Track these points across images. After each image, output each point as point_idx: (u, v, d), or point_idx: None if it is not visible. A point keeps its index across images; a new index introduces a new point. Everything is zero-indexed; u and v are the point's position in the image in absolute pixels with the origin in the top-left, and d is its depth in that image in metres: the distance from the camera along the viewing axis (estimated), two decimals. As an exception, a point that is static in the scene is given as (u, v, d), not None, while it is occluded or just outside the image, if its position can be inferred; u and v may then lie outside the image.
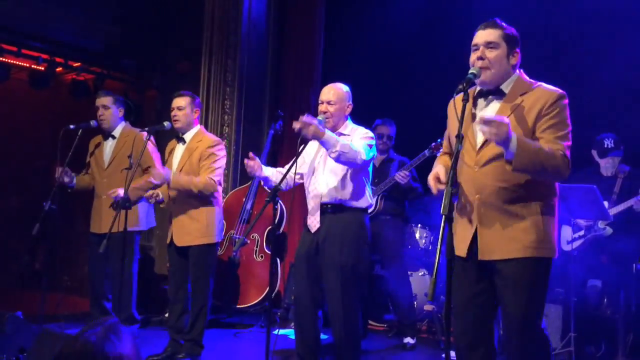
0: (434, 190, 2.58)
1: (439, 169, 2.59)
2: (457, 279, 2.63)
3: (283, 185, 3.62)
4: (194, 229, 4.09)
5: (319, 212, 3.58)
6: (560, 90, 2.52)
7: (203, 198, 4.09)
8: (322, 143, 3.35)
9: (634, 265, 4.25)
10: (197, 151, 4.13)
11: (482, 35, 2.54)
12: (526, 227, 2.48)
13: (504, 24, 2.57)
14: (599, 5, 4.95)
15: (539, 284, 2.53)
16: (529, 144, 2.37)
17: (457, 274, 2.62)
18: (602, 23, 5.02)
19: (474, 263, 2.56)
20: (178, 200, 4.12)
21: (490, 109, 2.57)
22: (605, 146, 4.45)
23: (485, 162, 2.53)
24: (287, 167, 3.50)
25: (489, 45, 2.51)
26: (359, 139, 3.51)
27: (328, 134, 3.33)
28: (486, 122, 2.30)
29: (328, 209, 3.57)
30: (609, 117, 4.80)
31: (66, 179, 4.47)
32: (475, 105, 2.63)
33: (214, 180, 4.07)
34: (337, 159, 3.37)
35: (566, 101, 2.50)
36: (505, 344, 2.67)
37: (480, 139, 2.55)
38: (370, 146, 3.53)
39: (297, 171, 3.67)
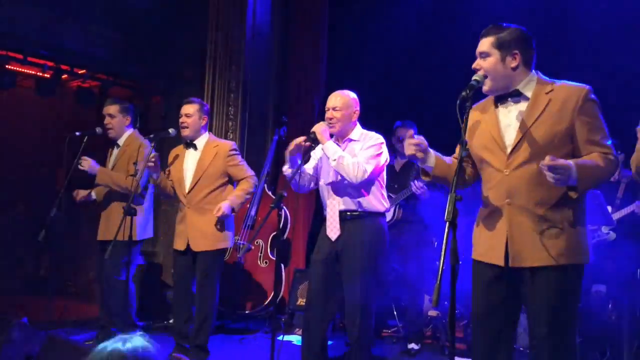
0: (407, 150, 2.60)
1: (429, 151, 2.63)
2: (482, 285, 2.59)
3: (303, 183, 3.70)
4: (211, 233, 4.10)
5: (338, 220, 3.61)
6: (586, 86, 2.50)
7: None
8: (324, 148, 3.49)
9: (638, 270, 4.24)
10: (218, 156, 4.18)
11: (478, 46, 2.57)
12: (558, 233, 2.43)
13: (501, 27, 2.55)
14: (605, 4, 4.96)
15: (570, 291, 2.46)
16: (587, 166, 2.35)
17: (482, 281, 2.58)
18: (606, 23, 5.01)
19: (503, 270, 2.51)
20: (194, 204, 4.14)
21: (515, 111, 2.55)
22: None
23: (517, 165, 2.49)
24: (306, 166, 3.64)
25: (482, 55, 2.55)
26: (365, 150, 3.57)
27: (330, 143, 3.48)
28: (551, 168, 2.26)
29: (347, 216, 3.61)
30: (615, 120, 4.78)
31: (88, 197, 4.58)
32: (497, 108, 2.62)
33: (253, 174, 4.27)
34: (336, 170, 3.50)
35: (594, 96, 2.49)
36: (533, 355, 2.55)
37: (510, 141, 2.52)
38: (378, 155, 3.58)
39: (307, 169, 3.74)
